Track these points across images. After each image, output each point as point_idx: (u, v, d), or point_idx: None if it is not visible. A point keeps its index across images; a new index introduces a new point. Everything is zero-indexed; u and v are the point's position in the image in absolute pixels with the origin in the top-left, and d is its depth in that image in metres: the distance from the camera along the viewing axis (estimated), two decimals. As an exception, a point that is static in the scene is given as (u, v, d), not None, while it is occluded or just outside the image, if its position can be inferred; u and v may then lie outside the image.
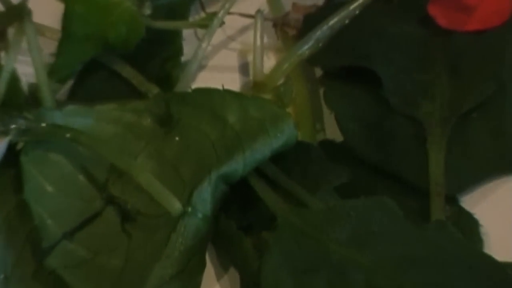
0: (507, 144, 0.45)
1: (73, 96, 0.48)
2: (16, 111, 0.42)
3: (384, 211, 0.40)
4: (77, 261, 0.41)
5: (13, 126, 0.41)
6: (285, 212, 0.41)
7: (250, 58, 0.51)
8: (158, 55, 0.49)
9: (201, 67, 0.51)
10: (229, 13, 0.49)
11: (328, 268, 0.38)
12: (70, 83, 0.49)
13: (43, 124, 0.42)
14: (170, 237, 0.40)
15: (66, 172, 0.42)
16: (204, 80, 0.51)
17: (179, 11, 0.50)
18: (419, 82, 0.47)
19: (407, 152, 0.45)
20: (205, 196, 0.41)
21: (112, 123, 0.44)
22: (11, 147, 0.42)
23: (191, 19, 0.52)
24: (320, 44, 0.49)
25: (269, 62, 0.51)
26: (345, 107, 0.47)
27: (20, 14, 0.45)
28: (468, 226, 0.43)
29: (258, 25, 0.49)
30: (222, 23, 0.49)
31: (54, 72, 0.46)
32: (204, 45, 0.48)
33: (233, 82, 0.51)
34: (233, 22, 0.52)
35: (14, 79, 0.44)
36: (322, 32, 0.49)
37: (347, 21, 0.49)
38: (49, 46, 0.48)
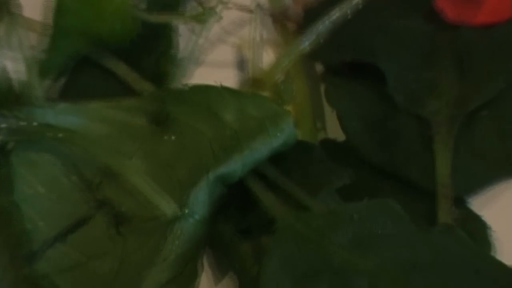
0: (516, 143, 0.45)
1: (65, 94, 0.48)
2: (7, 110, 0.42)
3: (388, 214, 0.40)
4: (70, 265, 0.41)
5: (3, 125, 0.41)
6: (285, 215, 0.41)
7: (248, 54, 0.51)
8: (152, 51, 0.49)
9: (198, 64, 0.51)
10: (226, 7, 0.49)
11: (329, 273, 0.39)
12: (61, 80, 0.49)
13: (35, 123, 0.42)
14: (166, 240, 0.40)
15: (58, 173, 0.43)
16: (200, 77, 0.50)
17: (174, 5, 0.50)
18: (425, 79, 0.47)
19: (412, 152, 0.45)
20: (201, 198, 0.41)
21: (105, 122, 0.43)
22: (1, 147, 0.42)
23: (187, 14, 0.51)
24: (322, 39, 0.49)
25: (268, 58, 0.51)
26: (348, 105, 0.47)
27: (10, 9, 0.45)
28: (476, 229, 0.43)
29: (257, 19, 0.49)
30: (219, 17, 0.49)
31: (45, 69, 0.47)
32: (200, 40, 0.49)
33: (230, 79, 0.51)
34: (230, 16, 0.52)
35: (4, 77, 0.44)
36: (323, 26, 0.49)
37: (349, 15, 0.49)
38: (40, 42, 0.48)
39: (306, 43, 0.49)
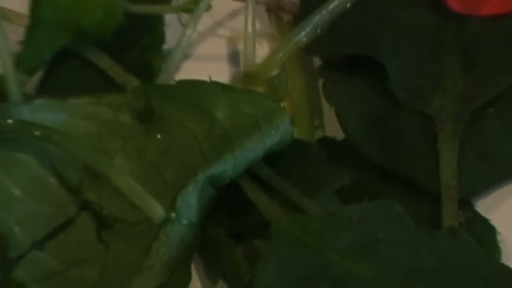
0: (526, 142, 0.45)
1: (43, 89, 0.48)
2: (-20, 106, 0.42)
3: (389, 217, 0.40)
4: (48, 273, 0.41)
5: (-24, 123, 0.41)
6: (280, 218, 0.41)
7: (240, 46, 0.51)
8: (137, 43, 0.49)
9: (186, 57, 0.51)
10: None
11: (328, 280, 0.38)
12: (39, 75, 0.49)
13: (10, 121, 0.42)
14: (152, 246, 0.40)
15: (36, 174, 0.42)
16: (189, 71, 0.50)
17: (161, -6, 0.50)
18: (429, 73, 0.47)
19: (415, 151, 0.45)
20: (190, 201, 0.41)
21: (86, 119, 0.43)
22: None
23: (174, 3, 0.51)
24: (319, 31, 0.49)
25: (262, 50, 0.51)
26: (347, 101, 0.47)
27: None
28: (484, 233, 0.43)
29: (250, 9, 0.49)
30: (209, 7, 0.49)
31: (22, 62, 0.46)
32: (189, 32, 0.48)
33: (221, 74, 0.51)
34: (221, 6, 0.52)
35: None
36: (321, 17, 0.49)
37: (348, 5, 0.49)
38: (16, 33, 0.48)
39: (302, 35, 0.49)
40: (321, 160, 0.45)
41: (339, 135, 0.47)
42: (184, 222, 0.41)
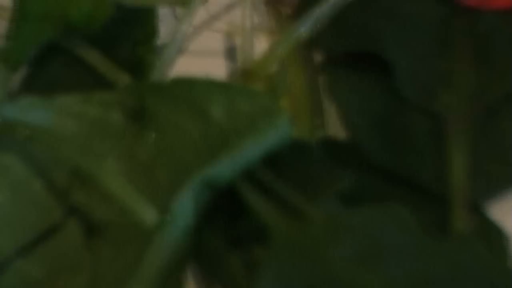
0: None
1: (28, 87, 0.48)
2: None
3: (396, 222, 0.40)
4: (32, 282, 0.41)
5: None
6: (279, 223, 0.41)
7: (238, 41, 0.51)
8: (129, 38, 0.49)
9: (180, 52, 0.51)
10: (213, -12, 0.50)
11: (330, 289, 0.38)
12: (24, 71, 0.49)
13: (-7, 120, 0.42)
14: (145, 252, 0.40)
15: (20, 177, 0.42)
16: (183, 67, 0.50)
17: (154, -14, 0.50)
18: (438, 70, 0.47)
19: (423, 152, 0.45)
20: (186, 204, 0.41)
21: (75, 118, 0.43)
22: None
23: (168, -5, 0.52)
24: (320, 26, 0.49)
25: (260, 46, 0.50)
26: (350, 99, 0.47)
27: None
28: (496, 240, 0.43)
29: (247, 2, 0.49)
30: (204, 0, 0.50)
31: (6, 57, 0.47)
32: (183, 26, 0.49)
33: (217, 70, 0.50)
34: (218, -1, 0.52)
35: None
36: (322, 10, 0.49)
37: (352, -2, 0.49)
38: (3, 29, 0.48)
39: (302, 29, 0.49)
40: (323, 162, 0.44)
41: (341, 135, 0.47)
42: (179, 226, 0.40)
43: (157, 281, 0.40)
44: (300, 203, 0.42)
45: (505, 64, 0.46)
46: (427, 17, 0.48)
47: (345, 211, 0.42)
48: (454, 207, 0.43)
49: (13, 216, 0.41)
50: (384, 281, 0.38)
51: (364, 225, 0.40)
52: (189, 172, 0.41)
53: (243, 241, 0.42)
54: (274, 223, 0.41)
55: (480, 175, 0.44)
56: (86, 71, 0.47)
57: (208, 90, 0.43)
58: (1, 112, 0.42)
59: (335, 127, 0.48)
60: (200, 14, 0.51)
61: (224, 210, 0.43)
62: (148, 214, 0.40)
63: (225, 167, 0.42)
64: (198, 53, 0.52)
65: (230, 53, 0.52)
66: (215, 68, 0.50)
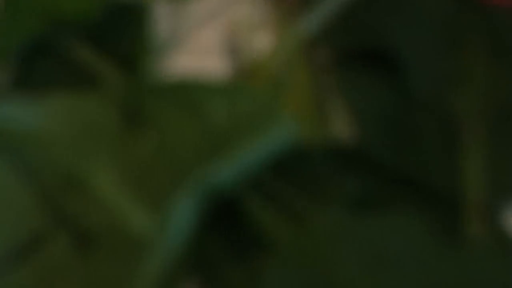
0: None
1: (15, 87, 0.48)
2: None
3: (403, 231, 0.40)
4: None
5: None
6: (284, 232, 0.41)
7: (238, 38, 0.51)
8: (124, 34, 0.48)
9: (177, 49, 0.50)
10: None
11: (337, 300, 0.39)
12: (15, 69, 0.48)
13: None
14: (140, 263, 0.39)
15: (6, 184, 0.42)
16: (181, 65, 0.50)
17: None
18: (452, 68, 0.46)
19: (436, 155, 0.45)
20: (184, 212, 0.40)
21: (65, 120, 0.43)
22: None
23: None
24: (326, 22, 0.48)
25: (263, 43, 0.50)
26: (358, 99, 0.47)
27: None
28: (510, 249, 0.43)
29: None
30: None
31: None
32: (180, 21, 0.49)
33: (217, 69, 0.50)
34: (217, -6, 0.52)
35: None
36: (328, 5, 0.48)
37: (359, -9, 0.49)
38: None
39: (307, 26, 0.48)
40: (328, 166, 0.44)
41: (348, 137, 0.47)
42: (177, 236, 0.40)
43: (154, 291, 0.39)
44: (304, 210, 0.42)
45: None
46: (437, 13, 0.47)
47: (351, 218, 0.42)
48: (467, 211, 0.43)
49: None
50: (390, 290, 0.38)
51: (370, 233, 0.40)
52: (187, 177, 0.41)
53: (246, 252, 0.42)
54: (278, 232, 0.41)
55: (496, 179, 0.44)
56: (77, 70, 0.47)
57: (207, 89, 0.43)
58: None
59: (342, 129, 0.47)
60: (198, 8, 0.51)
61: (225, 218, 0.43)
62: (143, 223, 0.40)
63: (225, 169, 0.41)
64: (196, 51, 0.51)
65: (231, 50, 0.51)
66: (214, 67, 0.50)
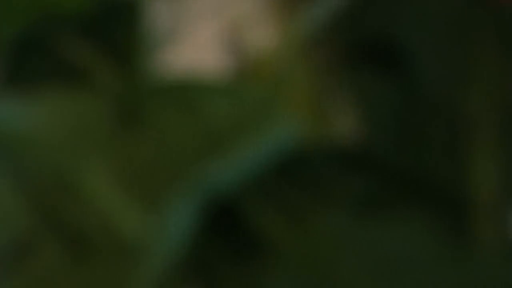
0: None
1: (3, 85, 0.47)
2: None
3: (411, 234, 0.40)
4: None
5: None
6: (286, 236, 0.41)
7: (238, 32, 0.50)
8: (118, 28, 0.48)
9: (174, 44, 0.50)
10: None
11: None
12: (1, 67, 0.48)
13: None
14: (135, 269, 0.39)
15: None
16: (178, 61, 0.49)
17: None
18: (461, 65, 0.46)
19: (446, 154, 0.44)
20: (181, 214, 0.40)
21: (57, 119, 0.43)
22: None
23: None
24: (329, 17, 0.48)
25: (264, 38, 0.50)
26: (363, 97, 0.47)
27: None
28: None
29: None
30: None
31: None
32: (177, 15, 0.48)
33: (216, 65, 0.49)
34: (217, -13, 0.52)
35: None
36: (331, 1, 0.48)
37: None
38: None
39: (310, 21, 0.48)
40: (332, 166, 0.44)
41: (353, 137, 0.46)
42: (174, 241, 0.40)
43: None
44: (307, 213, 0.42)
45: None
46: (446, 9, 0.47)
47: (354, 221, 0.42)
48: (481, 216, 0.43)
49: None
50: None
51: (374, 236, 0.40)
52: (184, 178, 0.41)
53: (245, 256, 0.42)
54: (279, 235, 0.41)
55: (504, 178, 0.43)
56: (68, 67, 0.47)
57: (206, 87, 0.43)
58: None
59: (347, 128, 0.47)
60: (197, 3, 0.50)
61: (224, 221, 0.43)
62: (138, 227, 0.40)
63: (225, 170, 0.41)
64: (194, 45, 0.50)
65: (230, 46, 0.50)
66: (213, 63, 0.49)
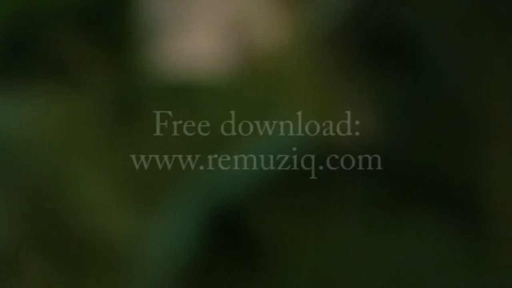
0: None
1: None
2: None
3: (430, 242, 0.40)
4: None
5: None
6: (293, 244, 0.41)
7: (242, 28, 0.50)
8: (112, 19, 0.48)
9: (172, 39, 0.49)
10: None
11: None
12: None
13: None
14: (130, 280, 0.39)
15: None
16: (176, 56, 0.48)
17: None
18: (476, 61, 0.45)
19: (461, 156, 0.44)
20: (179, 220, 0.41)
21: (47, 116, 0.42)
22: None
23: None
24: (339, 11, 0.47)
25: (268, 35, 0.49)
26: (374, 95, 0.46)
27: None
28: None
29: None
30: None
31: None
32: (175, 7, 0.48)
33: (217, 63, 0.49)
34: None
35: None
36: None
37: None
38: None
39: (316, 17, 0.48)
40: (340, 169, 0.44)
41: (359, 138, 0.46)
42: (172, 250, 0.40)
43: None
44: (314, 219, 0.42)
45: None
46: (461, 5, 0.47)
47: (364, 226, 0.42)
48: (499, 223, 0.42)
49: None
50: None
51: (391, 247, 0.41)
52: (183, 181, 0.41)
53: (250, 266, 0.42)
54: (287, 243, 0.41)
55: None
56: (59, 60, 0.46)
57: (206, 84, 0.44)
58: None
59: (355, 128, 0.46)
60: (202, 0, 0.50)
61: (228, 229, 0.43)
62: (134, 232, 0.40)
63: (226, 176, 0.41)
64: (194, 41, 0.50)
65: (233, 42, 0.50)
66: (214, 59, 0.48)
